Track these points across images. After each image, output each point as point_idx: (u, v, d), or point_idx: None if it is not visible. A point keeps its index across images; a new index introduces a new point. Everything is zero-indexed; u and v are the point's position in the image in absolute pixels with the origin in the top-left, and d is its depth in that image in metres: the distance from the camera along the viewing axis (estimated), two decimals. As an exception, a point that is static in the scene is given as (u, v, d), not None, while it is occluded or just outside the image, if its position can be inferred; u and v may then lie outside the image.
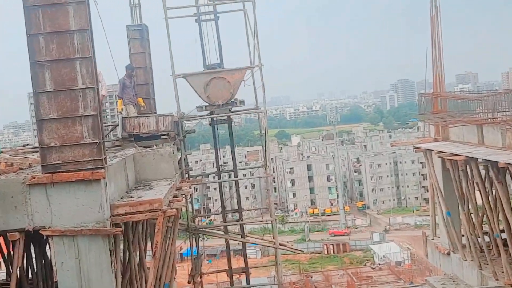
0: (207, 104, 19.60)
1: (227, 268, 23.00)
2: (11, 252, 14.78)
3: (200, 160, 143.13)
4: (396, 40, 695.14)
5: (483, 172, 18.61)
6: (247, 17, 19.95)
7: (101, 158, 10.12)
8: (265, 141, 20.82)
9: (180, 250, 70.99)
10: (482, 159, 16.73)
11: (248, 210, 77.04)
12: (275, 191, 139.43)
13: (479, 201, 20.01)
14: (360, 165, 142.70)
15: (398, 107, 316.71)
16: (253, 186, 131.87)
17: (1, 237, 12.15)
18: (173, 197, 13.17)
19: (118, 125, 17.59)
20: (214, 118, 21.07)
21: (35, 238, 14.92)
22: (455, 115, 20.87)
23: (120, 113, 18.67)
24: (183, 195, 14.63)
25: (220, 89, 19.32)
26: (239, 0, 19.76)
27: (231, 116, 21.29)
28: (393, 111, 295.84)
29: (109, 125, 20.04)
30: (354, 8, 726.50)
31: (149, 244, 13.92)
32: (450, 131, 21.67)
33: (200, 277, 21.60)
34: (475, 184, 19.27)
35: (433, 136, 22.67)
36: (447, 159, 19.71)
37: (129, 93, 19.07)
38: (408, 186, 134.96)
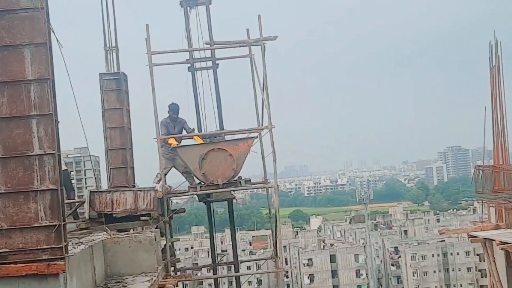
0: (202, 184, 19.14)
1: None
2: None
3: (192, 247, 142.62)
4: (446, 97, 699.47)
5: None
6: (255, 65, 20.01)
7: (60, 245, 9.95)
8: (276, 224, 20.61)
9: None
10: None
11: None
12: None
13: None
14: (399, 256, 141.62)
15: (448, 182, 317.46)
16: (259, 282, 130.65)
17: None
18: (154, 298, 13.00)
19: (85, 201, 17.51)
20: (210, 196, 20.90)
21: None
22: (523, 195, 20.77)
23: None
24: (167, 296, 14.42)
25: (219, 165, 18.75)
26: (244, 44, 19.74)
27: (232, 192, 21.10)
28: (441, 187, 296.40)
29: (73, 201, 19.93)
30: (393, 59, 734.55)
31: None
32: (517, 216, 21.51)
33: None
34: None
35: (494, 222, 22.47)
36: (513, 252, 19.52)
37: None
38: (461, 286, 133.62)
